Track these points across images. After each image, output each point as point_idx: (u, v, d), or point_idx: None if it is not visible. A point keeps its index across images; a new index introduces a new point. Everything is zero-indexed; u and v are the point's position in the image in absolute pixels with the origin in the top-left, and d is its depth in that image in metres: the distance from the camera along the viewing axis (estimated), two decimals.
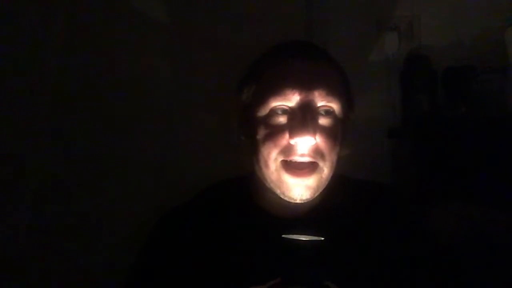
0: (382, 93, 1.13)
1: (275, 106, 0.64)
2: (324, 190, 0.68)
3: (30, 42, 1.02)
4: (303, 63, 0.65)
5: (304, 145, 0.62)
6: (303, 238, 0.55)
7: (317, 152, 0.63)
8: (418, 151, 1.01)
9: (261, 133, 0.65)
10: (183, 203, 0.76)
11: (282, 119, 0.64)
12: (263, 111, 0.65)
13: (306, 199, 0.64)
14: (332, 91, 0.64)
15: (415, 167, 1.02)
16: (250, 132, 0.68)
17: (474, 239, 0.87)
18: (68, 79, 1.04)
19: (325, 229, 0.58)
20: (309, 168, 0.63)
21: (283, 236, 0.55)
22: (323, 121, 0.64)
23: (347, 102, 0.69)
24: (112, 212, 0.99)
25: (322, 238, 0.55)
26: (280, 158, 0.64)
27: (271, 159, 0.64)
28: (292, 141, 0.62)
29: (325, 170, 0.65)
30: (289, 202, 0.66)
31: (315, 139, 0.62)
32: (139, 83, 1.06)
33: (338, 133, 0.66)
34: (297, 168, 0.63)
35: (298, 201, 0.65)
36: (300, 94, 0.63)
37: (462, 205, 0.92)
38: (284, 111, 0.64)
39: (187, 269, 0.67)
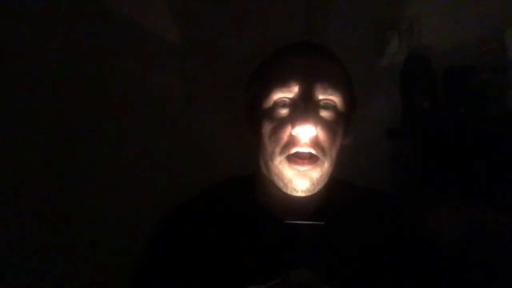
0: (382, 93, 1.13)
1: (279, 98, 0.66)
2: (325, 191, 0.70)
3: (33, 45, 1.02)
4: (306, 58, 0.68)
5: (305, 134, 0.64)
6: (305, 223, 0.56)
7: (317, 144, 0.65)
8: (418, 151, 1.01)
9: (266, 127, 0.67)
10: (186, 200, 0.77)
11: (285, 111, 0.66)
12: (268, 104, 0.67)
13: (307, 190, 0.66)
14: (333, 84, 0.66)
15: (415, 167, 1.02)
16: (255, 127, 0.70)
17: (474, 239, 0.87)
18: (70, 78, 1.04)
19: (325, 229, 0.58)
20: (310, 159, 0.65)
21: (285, 221, 0.56)
22: (324, 113, 0.66)
23: (349, 98, 0.70)
24: (115, 210, 1.00)
25: (323, 223, 0.55)
26: (284, 154, 0.65)
27: (276, 154, 0.66)
28: (294, 132, 0.64)
29: (326, 164, 0.66)
30: (291, 196, 0.66)
31: (316, 129, 0.64)
32: (142, 84, 1.06)
33: (338, 127, 0.67)
34: (298, 158, 0.65)
35: (300, 193, 0.66)
36: (302, 86, 0.65)
37: (462, 205, 0.92)
38: (287, 103, 0.66)
39: (191, 266, 0.68)
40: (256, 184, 0.74)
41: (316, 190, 0.67)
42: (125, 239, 0.94)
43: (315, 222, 0.56)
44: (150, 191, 1.01)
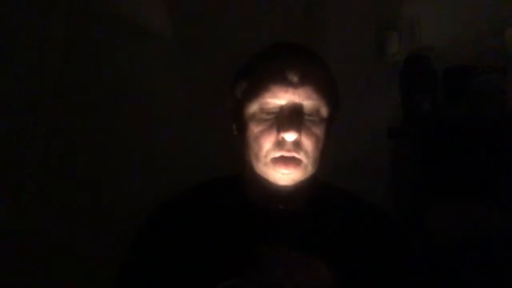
0: (382, 93, 1.13)
1: (265, 103, 0.68)
2: (311, 187, 0.72)
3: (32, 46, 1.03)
4: (293, 63, 0.69)
5: (289, 140, 0.66)
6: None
7: (301, 148, 0.67)
8: (418, 151, 1.01)
9: (251, 130, 0.69)
10: (174, 196, 0.78)
11: (271, 117, 0.68)
12: (254, 108, 0.69)
13: (291, 185, 0.69)
14: (319, 91, 0.68)
15: (415, 167, 1.02)
16: (241, 129, 0.71)
17: (473, 239, 0.88)
18: (70, 78, 1.04)
19: (309, 225, 0.60)
20: (294, 163, 0.67)
21: (264, 208, 0.57)
22: (308, 119, 0.68)
23: (333, 103, 0.72)
24: (106, 207, 1.01)
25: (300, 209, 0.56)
26: (270, 156, 0.68)
27: (261, 156, 0.68)
28: (279, 137, 0.66)
29: (309, 167, 0.68)
30: (278, 191, 0.69)
31: (300, 135, 0.65)
32: (138, 82, 1.06)
33: (322, 132, 0.69)
34: (282, 162, 0.67)
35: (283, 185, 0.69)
36: (287, 92, 0.67)
37: (462, 204, 0.92)
38: (273, 109, 0.68)
39: (176, 259, 0.69)
40: (243, 181, 0.75)
41: (298, 183, 0.69)
42: (119, 234, 0.95)
43: (293, 209, 0.57)
44: (146, 188, 1.01)
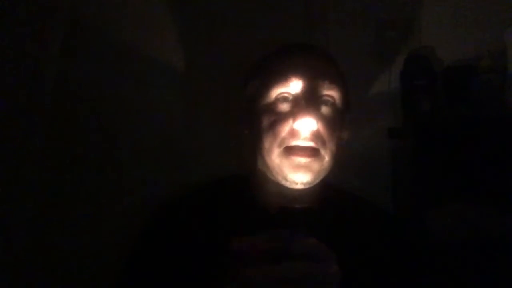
0: (382, 93, 1.13)
1: (280, 94, 0.68)
2: (320, 192, 0.72)
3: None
4: (307, 56, 0.71)
5: (307, 129, 0.65)
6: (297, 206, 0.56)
7: (318, 138, 0.66)
8: (418, 151, 1.01)
9: (265, 120, 0.68)
10: (181, 195, 0.77)
11: (286, 106, 0.68)
12: (268, 99, 0.69)
13: (307, 183, 0.67)
14: (333, 81, 0.69)
15: (415, 167, 1.02)
16: (253, 123, 0.71)
17: (473, 240, 0.87)
18: (68, 77, 1.04)
19: (320, 228, 0.60)
20: (311, 152, 0.66)
21: (279, 207, 0.56)
22: (324, 109, 0.69)
23: (345, 95, 0.73)
24: (107, 207, 1.00)
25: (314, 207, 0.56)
26: (283, 145, 0.66)
27: (275, 145, 0.67)
28: (295, 126, 0.66)
29: (326, 157, 0.68)
30: (288, 192, 0.67)
31: (316, 124, 0.65)
32: (141, 79, 1.06)
33: (337, 122, 0.69)
34: (299, 151, 0.66)
35: (299, 186, 0.67)
36: (304, 82, 0.67)
37: (462, 205, 0.92)
38: (288, 99, 0.68)
39: (180, 263, 0.68)
40: (253, 182, 0.75)
41: (315, 183, 0.68)
42: (123, 234, 0.95)
43: (307, 206, 0.56)
44: (148, 190, 1.01)
